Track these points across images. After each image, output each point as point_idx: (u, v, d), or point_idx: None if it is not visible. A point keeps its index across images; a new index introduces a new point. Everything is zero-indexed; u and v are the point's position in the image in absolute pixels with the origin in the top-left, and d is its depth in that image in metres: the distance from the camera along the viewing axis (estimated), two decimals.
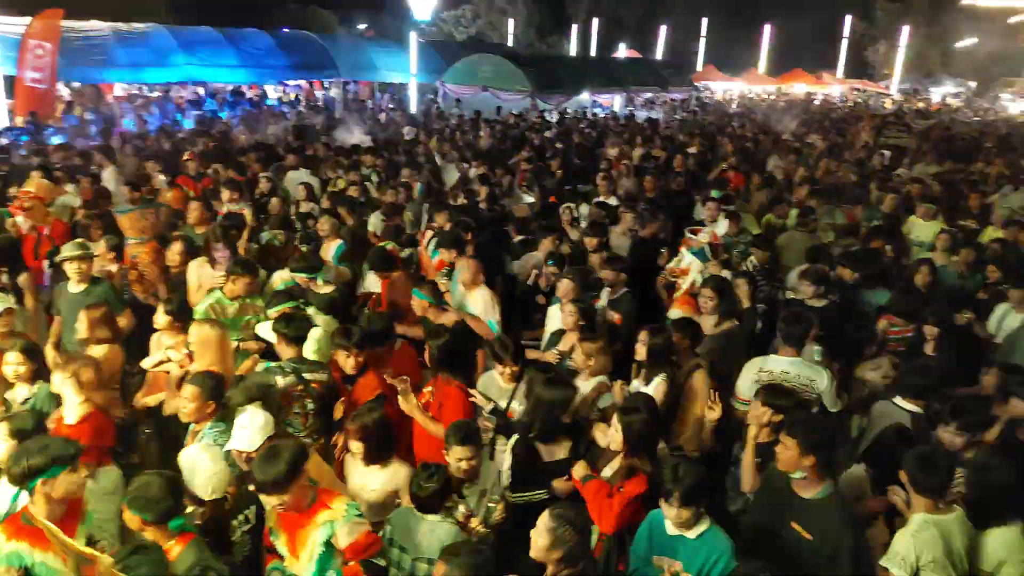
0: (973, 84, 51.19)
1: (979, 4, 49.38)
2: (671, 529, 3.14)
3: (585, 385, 4.41)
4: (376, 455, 3.62)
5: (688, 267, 6.10)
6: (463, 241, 6.24)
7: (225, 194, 7.76)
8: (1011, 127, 24.36)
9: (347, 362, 4.34)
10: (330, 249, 6.68)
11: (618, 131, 17.35)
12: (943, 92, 47.68)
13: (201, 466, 3.22)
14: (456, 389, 4.28)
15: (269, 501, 3.10)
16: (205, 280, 5.71)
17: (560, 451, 3.85)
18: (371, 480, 3.67)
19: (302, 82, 26.87)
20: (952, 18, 52.44)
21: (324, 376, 4.32)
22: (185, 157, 9.94)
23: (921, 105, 34.28)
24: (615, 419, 3.55)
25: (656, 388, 4.38)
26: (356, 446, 3.61)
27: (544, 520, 2.82)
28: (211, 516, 3.26)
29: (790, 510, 3.31)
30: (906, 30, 46.94)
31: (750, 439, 3.80)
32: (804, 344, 4.54)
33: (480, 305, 5.44)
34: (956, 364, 4.89)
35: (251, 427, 3.43)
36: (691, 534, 3.10)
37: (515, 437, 3.98)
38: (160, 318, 4.88)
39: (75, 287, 5.33)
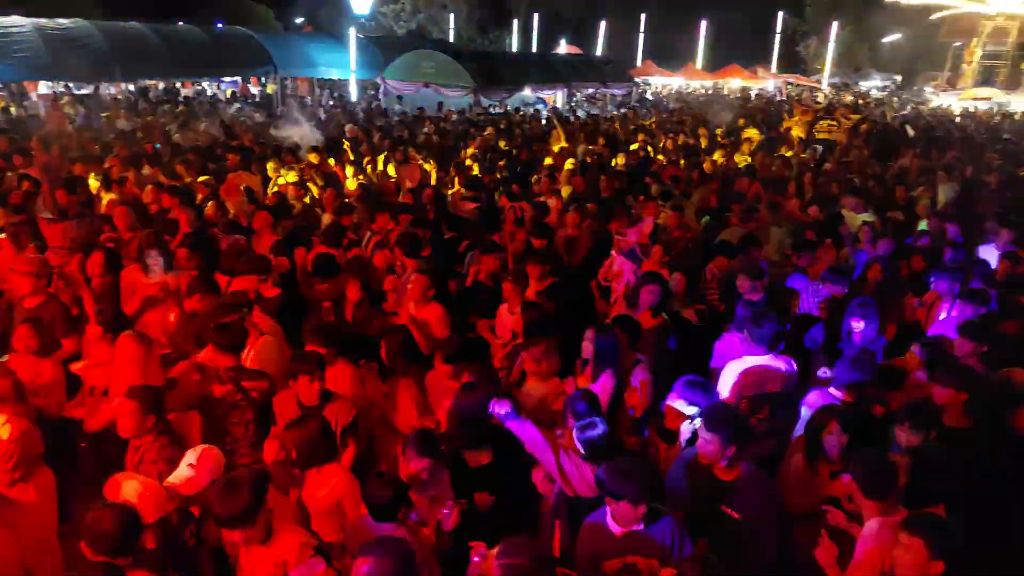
0: (899, 78, 53.31)
1: (902, 1, 51.35)
2: (618, 528, 3.17)
3: (538, 389, 4.43)
4: (308, 462, 3.59)
5: (621, 269, 6.15)
6: (419, 244, 6.21)
7: (166, 200, 7.55)
8: (937, 119, 25.42)
9: (310, 389, 4.05)
10: (265, 244, 6.60)
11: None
12: (871, 86, 49.52)
13: (133, 492, 3.12)
14: (411, 382, 4.46)
15: (231, 536, 2.95)
16: (140, 288, 5.56)
17: (484, 457, 3.81)
18: (314, 489, 3.64)
19: (237, 79, 26.26)
20: (878, 14, 54.46)
21: (264, 384, 4.24)
22: (107, 164, 9.57)
23: (850, 99, 35.45)
24: (575, 436, 3.58)
25: (603, 386, 4.45)
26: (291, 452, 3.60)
27: (495, 552, 2.78)
28: (162, 537, 3.16)
29: (715, 494, 3.43)
30: (835, 26, 48.58)
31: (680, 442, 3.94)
32: (772, 340, 4.60)
33: (433, 322, 5.38)
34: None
35: (200, 467, 3.34)
36: (641, 525, 3.14)
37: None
38: (92, 329, 4.75)
39: (29, 302, 5.18)
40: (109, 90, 20.93)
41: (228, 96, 23.88)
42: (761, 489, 3.43)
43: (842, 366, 4.32)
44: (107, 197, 8.04)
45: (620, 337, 4.63)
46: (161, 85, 23.45)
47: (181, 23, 26.09)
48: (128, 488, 3.15)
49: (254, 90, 27.38)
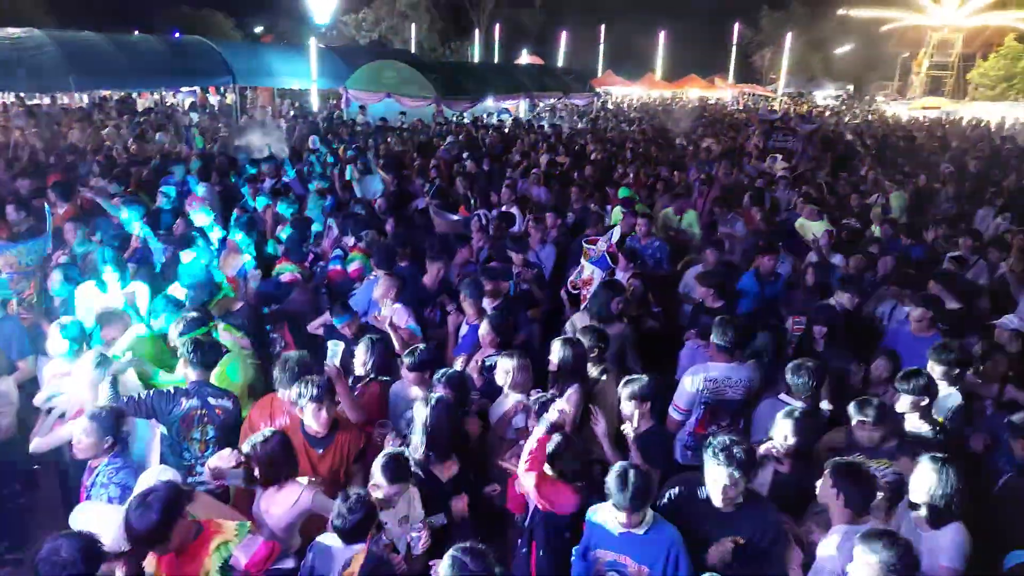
0: (851, 88, 54.88)
1: (853, 14, 53.00)
2: (617, 528, 3.23)
3: (503, 402, 4.40)
4: (272, 477, 3.52)
5: (591, 277, 6.21)
6: (393, 255, 6.18)
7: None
8: (888, 129, 26.12)
9: (318, 417, 3.86)
10: (234, 265, 6.47)
11: (524, 137, 17.54)
12: (825, 95, 50.92)
13: (100, 520, 3.03)
14: (377, 385, 4.48)
15: (149, 560, 2.86)
16: (97, 305, 5.43)
17: (454, 467, 3.83)
18: (271, 505, 3.56)
19: (196, 89, 25.92)
20: (830, 26, 56.21)
21: (229, 403, 4.18)
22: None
23: (805, 108, 36.29)
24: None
25: (569, 399, 4.45)
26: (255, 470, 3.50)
27: (445, 560, 2.76)
28: (133, 567, 3.07)
29: (712, 523, 3.35)
30: (789, 37, 49.87)
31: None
32: (737, 348, 4.64)
33: (400, 321, 5.38)
34: (847, 359, 5.20)
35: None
36: (640, 530, 3.20)
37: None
38: (56, 344, 4.61)
39: None
40: (63, 100, 20.51)
41: (187, 106, 23.51)
42: (763, 517, 3.36)
43: (790, 371, 4.37)
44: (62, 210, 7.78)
45: (589, 349, 4.63)
46: (117, 96, 23.03)
47: (137, 32, 25.71)
48: (95, 517, 3.06)
49: (213, 100, 27.02)
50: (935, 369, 4.52)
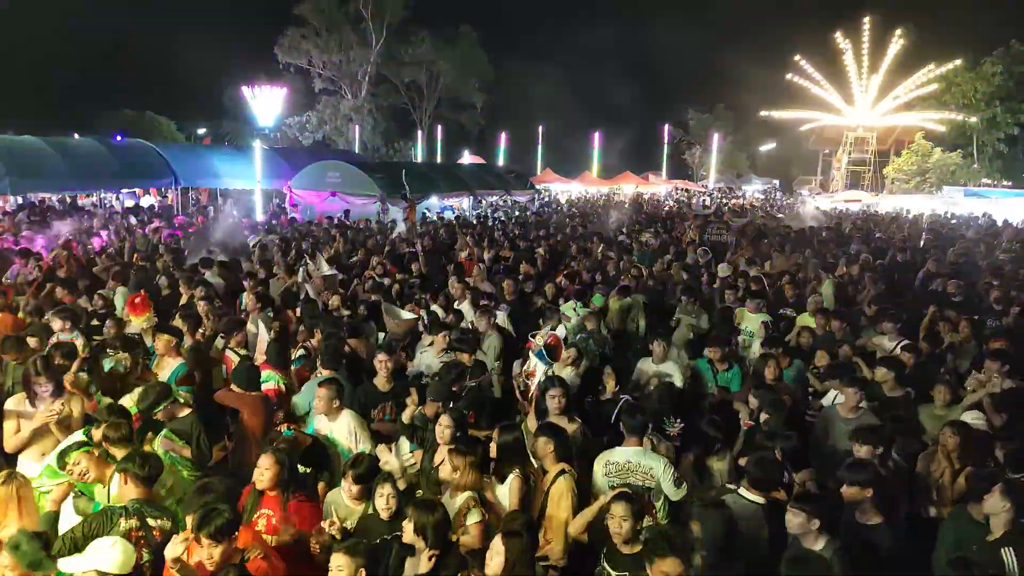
0: (777, 182, 58.03)
1: (774, 115, 56.71)
2: None
3: (453, 501, 4.30)
4: None
5: (534, 370, 6.28)
6: (341, 357, 6.09)
7: (56, 323, 6.91)
8: (820, 223, 27.42)
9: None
10: (166, 369, 6.23)
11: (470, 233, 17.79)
12: (753, 189, 53.68)
13: None
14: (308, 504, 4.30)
15: None
16: (26, 421, 5.14)
17: None
18: None
19: (137, 190, 25.81)
20: (753, 126, 59.95)
21: (168, 523, 3.93)
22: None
23: (737, 202, 38.00)
24: (497, 541, 3.54)
25: (511, 486, 4.40)
26: None
27: None
28: None
29: None
30: (716, 137, 52.91)
31: None
32: (645, 434, 4.82)
33: (344, 433, 5.25)
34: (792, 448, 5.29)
35: None
36: None
37: None
38: None
39: None
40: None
41: (127, 207, 23.25)
42: None
43: (749, 466, 4.42)
44: None
45: (544, 446, 4.61)
46: (55, 197, 22.72)
47: (77, 136, 25.70)
48: None
49: (153, 200, 26.82)
50: (859, 451, 4.75)
